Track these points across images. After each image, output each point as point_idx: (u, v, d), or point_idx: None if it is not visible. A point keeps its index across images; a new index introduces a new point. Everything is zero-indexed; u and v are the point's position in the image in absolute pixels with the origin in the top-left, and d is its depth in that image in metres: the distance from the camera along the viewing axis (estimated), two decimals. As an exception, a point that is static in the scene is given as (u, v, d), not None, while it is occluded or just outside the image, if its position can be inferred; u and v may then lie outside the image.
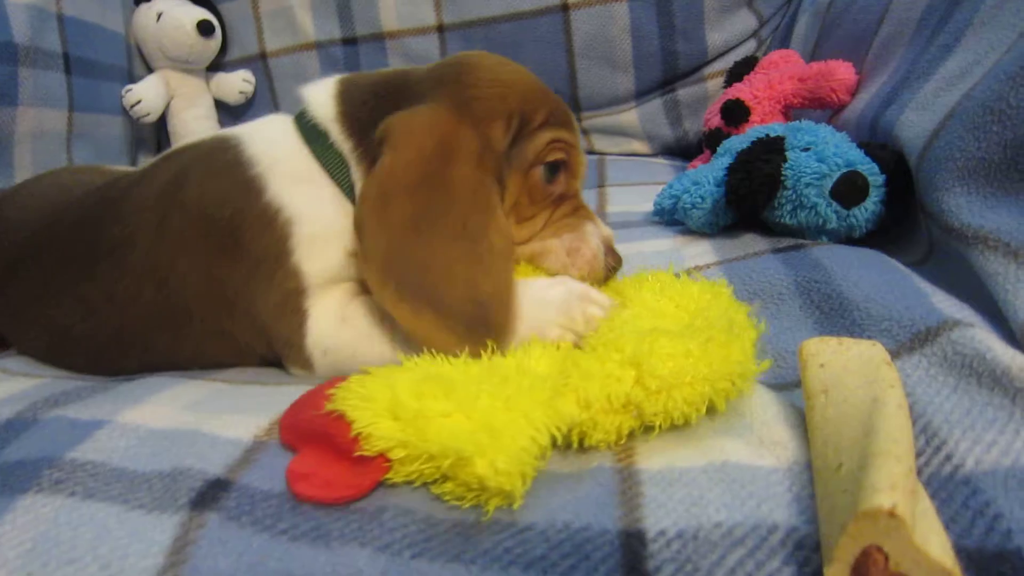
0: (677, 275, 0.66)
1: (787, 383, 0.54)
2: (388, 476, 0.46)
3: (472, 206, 0.58)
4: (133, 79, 1.52)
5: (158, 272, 0.64)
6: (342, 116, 0.65)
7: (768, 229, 0.82)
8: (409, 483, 0.46)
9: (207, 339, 0.65)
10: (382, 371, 0.52)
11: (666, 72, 1.49)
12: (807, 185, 0.75)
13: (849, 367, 0.45)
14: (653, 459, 0.46)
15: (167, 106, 1.56)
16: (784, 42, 1.40)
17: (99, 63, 1.40)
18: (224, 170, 0.64)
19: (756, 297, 0.67)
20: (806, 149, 0.79)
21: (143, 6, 1.55)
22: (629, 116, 1.53)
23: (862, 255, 0.68)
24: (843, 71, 1.04)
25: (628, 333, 0.52)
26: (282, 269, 0.60)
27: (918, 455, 0.43)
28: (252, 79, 1.64)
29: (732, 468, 0.44)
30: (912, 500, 0.34)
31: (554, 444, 0.47)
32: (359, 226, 0.56)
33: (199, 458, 0.48)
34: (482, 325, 0.54)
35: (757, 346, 0.53)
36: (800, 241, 0.76)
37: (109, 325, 0.68)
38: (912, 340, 0.52)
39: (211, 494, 0.44)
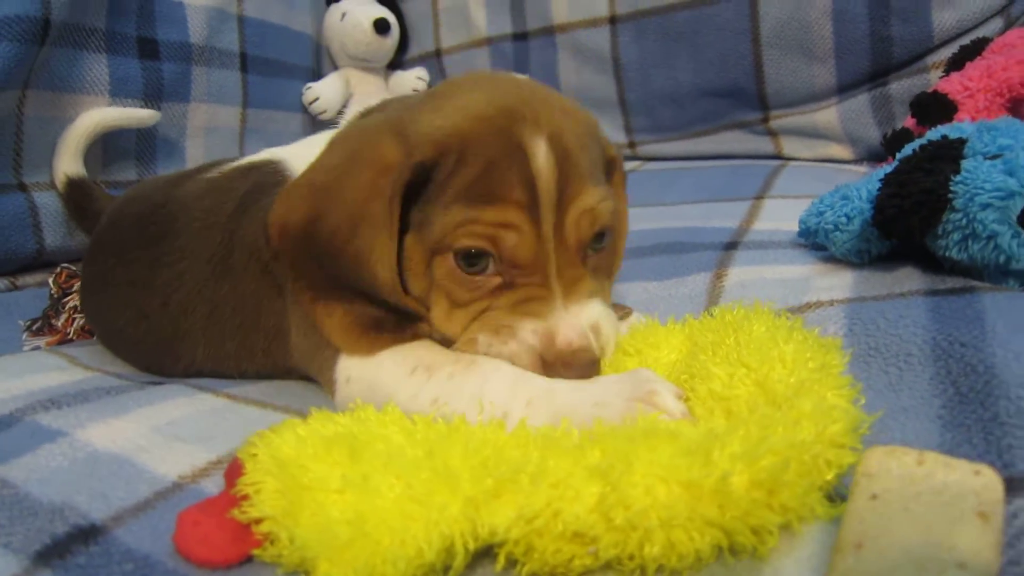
0: (782, 316, 0.51)
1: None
2: (257, 552, 0.37)
3: (360, 219, 0.50)
4: (319, 78, 1.57)
5: (216, 295, 0.64)
6: None
7: (939, 264, 0.61)
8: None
9: (245, 359, 0.65)
10: (317, 416, 0.43)
11: (876, 62, 1.23)
12: (984, 207, 0.53)
13: (913, 509, 0.28)
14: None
15: (345, 103, 1.60)
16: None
17: (279, 62, 1.46)
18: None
19: (874, 355, 0.49)
20: (994, 157, 0.57)
21: (332, 7, 1.59)
22: (827, 115, 1.29)
23: (1052, 312, 0.47)
24: (1099, 51, 0.76)
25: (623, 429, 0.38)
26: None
27: None
28: (426, 76, 1.63)
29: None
30: None
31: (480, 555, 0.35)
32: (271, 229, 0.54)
33: (96, 496, 0.42)
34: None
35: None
36: (970, 283, 0.55)
37: (160, 332, 0.68)
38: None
39: (66, 545, 0.38)
